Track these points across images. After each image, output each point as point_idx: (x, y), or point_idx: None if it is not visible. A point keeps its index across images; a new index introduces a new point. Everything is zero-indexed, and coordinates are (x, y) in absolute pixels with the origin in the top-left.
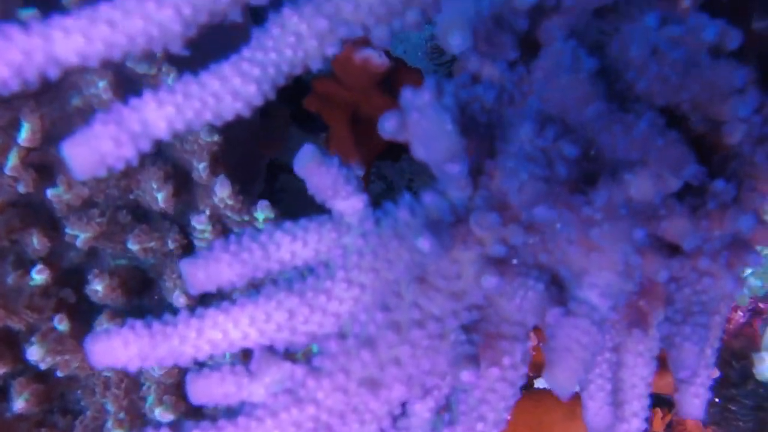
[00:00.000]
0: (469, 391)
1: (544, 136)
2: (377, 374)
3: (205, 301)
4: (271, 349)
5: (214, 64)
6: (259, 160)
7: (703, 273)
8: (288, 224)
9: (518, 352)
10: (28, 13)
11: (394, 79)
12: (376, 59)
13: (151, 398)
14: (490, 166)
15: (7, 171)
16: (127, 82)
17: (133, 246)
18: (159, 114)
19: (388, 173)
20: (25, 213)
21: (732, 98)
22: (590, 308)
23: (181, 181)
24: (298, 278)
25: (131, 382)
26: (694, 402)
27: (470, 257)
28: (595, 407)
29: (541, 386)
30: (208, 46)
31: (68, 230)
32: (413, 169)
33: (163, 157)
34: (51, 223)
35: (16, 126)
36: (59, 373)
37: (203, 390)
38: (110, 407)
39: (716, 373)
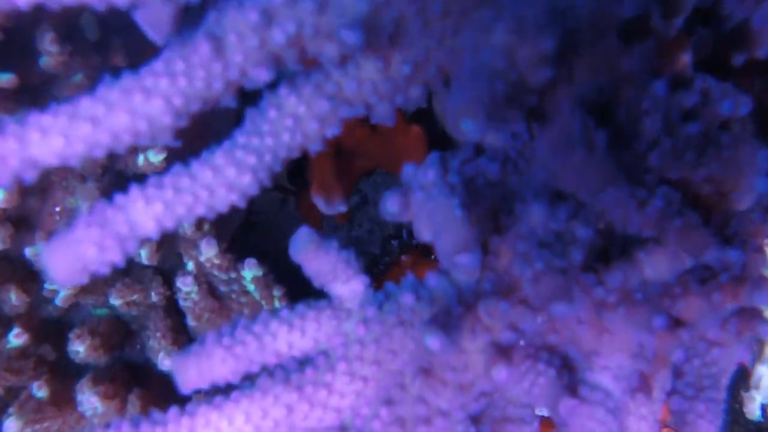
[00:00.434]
0: None
1: (557, 217)
2: None
3: None
4: None
5: (206, 152)
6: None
7: (712, 343)
8: (284, 312)
9: None
10: (3, 79)
11: None
12: None
13: None
14: (495, 244)
15: None
16: None
17: (116, 301)
18: (147, 214)
19: (362, 186)
20: (2, 267)
21: (752, 176)
22: (604, 395)
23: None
24: (297, 369)
25: None
26: None
27: (479, 346)
28: None
29: None
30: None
31: (47, 286)
32: (387, 181)
33: None
34: (29, 275)
35: None
36: None
37: None
38: None
39: None
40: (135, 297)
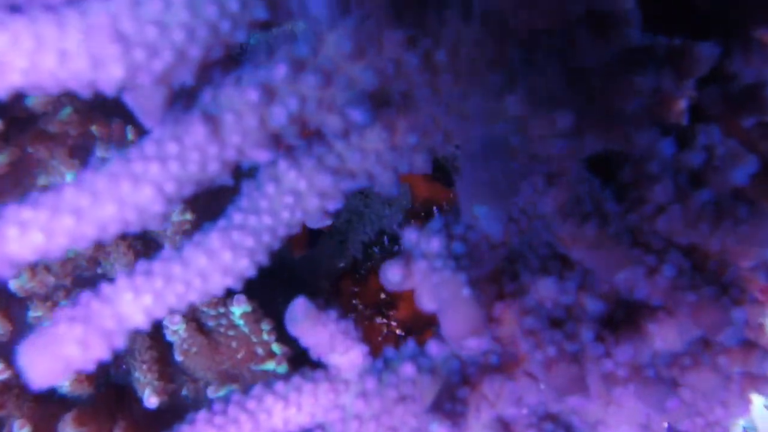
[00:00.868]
0: None
1: (566, 289)
2: None
3: (177, 399)
4: None
5: (198, 234)
6: None
7: (716, 404)
8: (280, 385)
9: None
10: None
11: None
12: None
13: None
14: (499, 310)
15: None
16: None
17: None
18: (135, 306)
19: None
20: None
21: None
22: None
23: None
24: None
25: None
26: None
27: (483, 422)
28: None
29: None
30: None
31: (31, 313)
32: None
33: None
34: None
35: None
36: None
37: None
38: None
39: None
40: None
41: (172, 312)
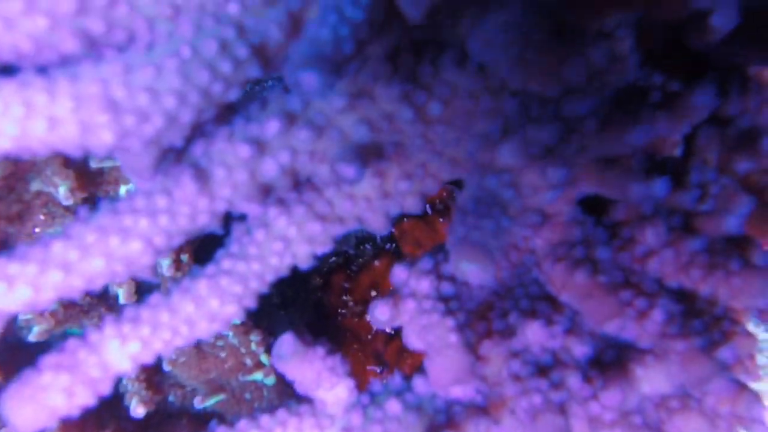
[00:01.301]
0: None
1: (554, 334)
2: None
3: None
4: None
5: (186, 279)
6: None
7: None
8: (265, 419)
9: None
10: None
11: None
12: None
13: None
14: (486, 349)
15: None
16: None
17: None
18: (122, 353)
19: None
20: None
21: (758, 300)
22: None
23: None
24: None
25: None
26: None
27: None
28: None
29: None
30: None
31: (21, 316)
32: None
33: None
34: None
35: None
36: None
37: None
38: None
39: None
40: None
41: (158, 356)
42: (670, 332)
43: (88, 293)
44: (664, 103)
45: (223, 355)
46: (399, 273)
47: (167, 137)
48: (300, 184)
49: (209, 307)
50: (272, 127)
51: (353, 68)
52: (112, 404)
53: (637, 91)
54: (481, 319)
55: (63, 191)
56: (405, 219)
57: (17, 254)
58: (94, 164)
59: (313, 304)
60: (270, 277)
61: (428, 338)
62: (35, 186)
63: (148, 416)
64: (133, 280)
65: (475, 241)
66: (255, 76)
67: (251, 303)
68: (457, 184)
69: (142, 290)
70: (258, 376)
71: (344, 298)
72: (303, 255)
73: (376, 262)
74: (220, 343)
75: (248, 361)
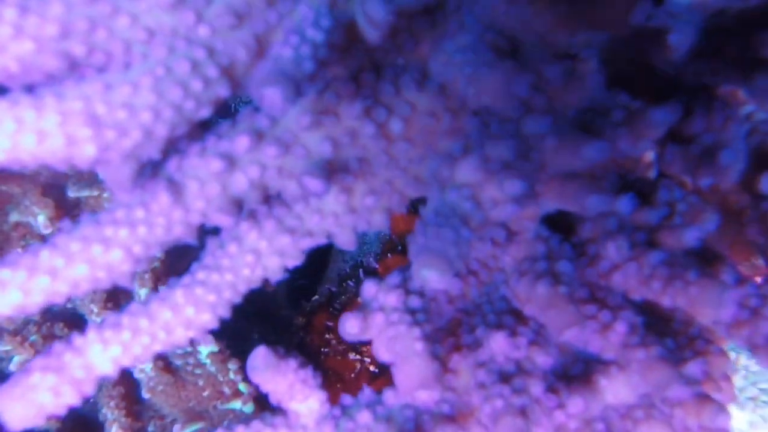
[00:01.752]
0: None
1: (518, 345)
2: None
3: None
4: None
5: (165, 289)
6: None
7: None
8: (240, 428)
9: None
10: None
11: None
12: None
13: None
14: (455, 362)
15: None
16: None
17: None
18: (104, 356)
19: None
20: None
21: (719, 310)
22: None
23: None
24: None
25: None
26: None
27: None
28: None
29: None
30: None
31: (1, 347)
32: None
33: None
34: None
35: None
36: None
37: None
38: None
39: None
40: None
41: (138, 361)
42: (632, 343)
43: (67, 326)
44: (625, 121)
45: (201, 383)
46: (368, 288)
47: (144, 150)
48: (271, 198)
49: (185, 315)
50: (242, 143)
51: (318, 88)
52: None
53: (602, 110)
54: (450, 335)
55: (42, 220)
56: (389, 255)
57: (7, 261)
58: (71, 193)
59: (296, 345)
60: (242, 288)
61: (395, 348)
62: (14, 217)
63: None
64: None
65: (434, 249)
66: (225, 94)
67: (225, 312)
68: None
69: None
70: (236, 404)
71: (327, 336)
72: (274, 267)
73: (360, 299)
74: (198, 371)
75: (226, 390)
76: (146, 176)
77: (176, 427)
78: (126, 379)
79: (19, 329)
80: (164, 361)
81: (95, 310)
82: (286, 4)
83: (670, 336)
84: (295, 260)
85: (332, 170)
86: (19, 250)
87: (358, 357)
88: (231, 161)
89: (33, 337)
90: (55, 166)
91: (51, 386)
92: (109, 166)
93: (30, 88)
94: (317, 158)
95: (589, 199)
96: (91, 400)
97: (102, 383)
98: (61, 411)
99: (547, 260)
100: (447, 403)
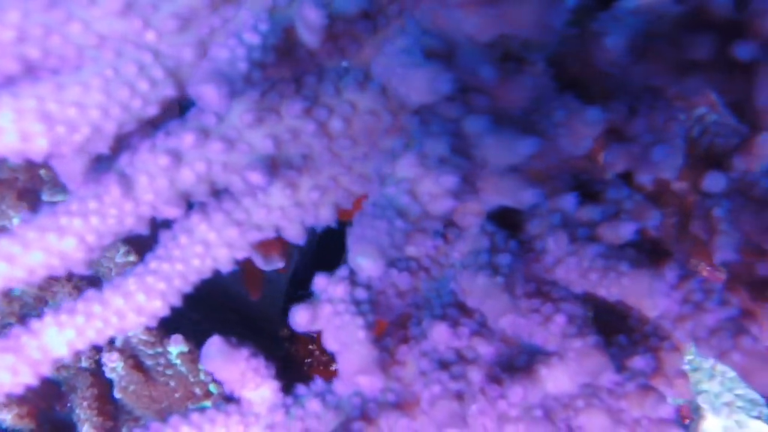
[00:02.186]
0: None
1: (459, 334)
2: None
3: None
4: None
5: (118, 277)
6: None
7: None
8: (195, 415)
9: None
10: None
11: None
12: None
13: None
14: (402, 354)
15: None
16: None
17: None
18: (60, 339)
19: None
20: None
21: (650, 299)
22: None
23: None
24: None
25: None
26: None
27: None
28: None
29: None
30: None
31: None
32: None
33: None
34: None
35: None
36: None
37: None
38: None
39: None
40: (66, 361)
41: (91, 344)
42: (570, 333)
43: None
44: (565, 120)
45: (172, 384)
46: (319, 281)
47: (95, 145)
48: (221, 193)
49: (136, 302)
50: (188, 139)
51: (263, 89)
52: None
53: (547, 111)
54: (401, 327)
55: (17, 222)
56: None
57: None
58: (46, 198)
59: (282, 356)
60: (193, 278)
61: (340, 337)
62: None
63: None
64: None
65: (368, 238)
66: (172, 95)
67: (176, 300)
68: None
69: None
70: (207, 404)
71: (310, 347)
72: (223, 259)
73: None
74: (169, 371)
75: (197, 391)
76: (102, 171)
77: None
78: (100, 380)
79: None
80: (135, 360)
81: None
82: (230, 10)
83: (624, 332)
84: (243, 252)
85: (276, 166)
86: None
87: None
88: (178, 157)
89: None
90: (11, 159)
91: (9, 366)
92: (62, 160)
93: None
94: (260, 154)
95: (523, 193)
96: (69, 405)
97: (78, 384)
98: (19, 390)
99: (489, 253)
100: (393, 392)
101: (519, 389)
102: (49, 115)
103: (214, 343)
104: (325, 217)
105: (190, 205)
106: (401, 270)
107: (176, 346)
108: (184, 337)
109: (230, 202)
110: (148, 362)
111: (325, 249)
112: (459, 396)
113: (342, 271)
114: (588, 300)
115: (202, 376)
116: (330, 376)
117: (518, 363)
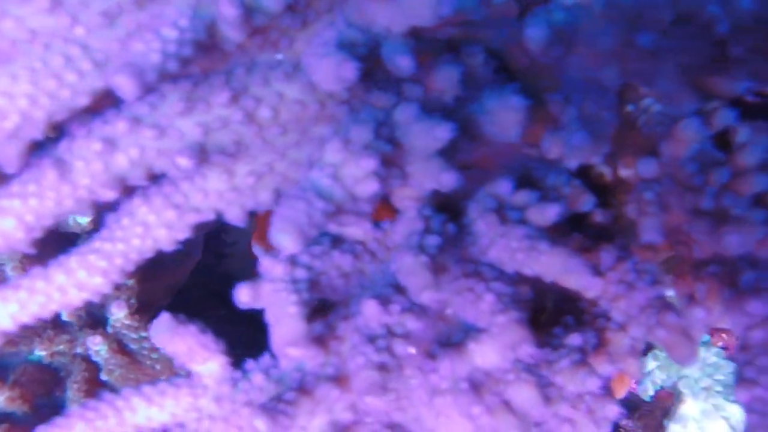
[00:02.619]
0: None
1: (390, 311)
2: None
3: None
4: None
5: (62, 255)
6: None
7: (563, 419)
8: (147, 387)
9: None
10: None
11: None
12: None
13: None
14: (342, 330)
15: None
16: None
17: (40, 352)
18: (3, 312)
19: None
20: None
21: (579, 276)
22: None
23: None
24: None
25: None
26: None
27: (319, 424)
28: None
29: None
30: None
31: None
32: None
33: None
34: None
35: None
36: None
37: None
38: None
39: None
40: (61, 347)
41: (35, 318)
42: (497, 310)
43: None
44: (493, 107)
45: (158, 367)
46: (264, 262)
47: (26, 132)
48: (160, 178)
49: (78, 278)
50: (121, 126)
51: (193, 80)
52: None
53: (478, 99)
54: (344, 305)
55: None
56: None
57: None
58: None
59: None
60: (134, 256)
61: (274, 312)
62: None
63: None
64: None
65: (286, 217)
66: (101, 86)
67: (118, 278)
68: None
69: None
70: None
71: None
72: (163, 239)
73: None
74: (154, 355)
75: (183, 374)
76: (41, 157)
77: None
78: (91, 365)
79: None
80: (119, 344)
81: None
82: (156, 6)
83: (573, 314)
84: (184, 233)
85: (206, 152)
86: None
87: None
88: (112, 143)
89: None
90: None
91: None
92: None
93: None
94: (189, 141)
95: (444, 175)
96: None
97: (73, 369)
98: None
99: (420, 235)
100: (332, 366)
101: (446, 362)
102: None
103: (163, 319)
104: (265, 200)
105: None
106: (344, 252)
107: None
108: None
109: (170, 186)
110: (133, 346)
111: None
112: (381, 367)
113: (285, 253)
114: (543, 285)
115: None
116: None
117: (454, 340)
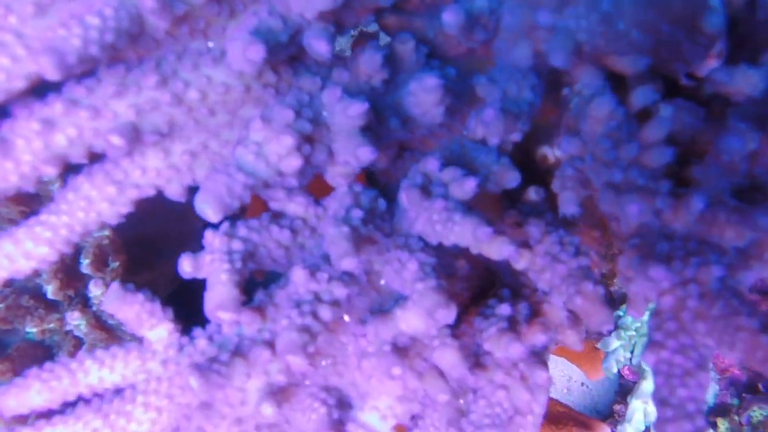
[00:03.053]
0: None
1: (318, 279)
2: None
3: None
4: None
5: (13, 226)
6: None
7: (498, 386)
8: (100, 351)
9: None
10: None
11: None
12: None
13: None
14: (279, 298)
15: None
16: None
17: (31, 330)
18: None
19: None
20: None
21: (490, 244)
22: None
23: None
24: (108, 399)
25: None
26: None
27: (256, 385)
28: None
29: None
30: None
31: None
32: None
33: None
34: None
35: None
36: None
37: None
38: None
39: None
40: (52, 325)
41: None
42: (419, 278)
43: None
44: (415, 89)
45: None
46: (207, 235)
47: None
48: (99, 155)
49: (25, 248)
50: (58, 108)
51: (127, 66)
52: None
53: (403, 82)
54: (286, 277)
55: None
56: None
57: None
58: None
59: None
60: (78, 228)
61: (210, 280)
62: None
63: None
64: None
65: (208, 189)
66: (36, 70)
67: (64, 248)
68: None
69: None
70: None
71: None
72: (106, 213)
73: None
74: None
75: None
76: None
77: None
78: (78, 341)
79: None
80: (97, 320)
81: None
82: None
83: (513, 287)
84: (125, 207)
85: (142, 132)
86: None
87: None
88: (50, 123)
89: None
90: None
91: None
92: None
93: None
94: (123, 121)
95: (360, 149)
96: None
97: (64, 342)
98: None
99: (347, 209)
100: (269, 331)
101: (371, 328)
102: None
103: (113, 288)
104: (202, 177)
105: None
106: (282, 227)
107: None
108: None
109: (111, 164)
110: (111, 321)
111: None
112: (303, 329)
113: (224, 227)
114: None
115: None
116: None
117: (386, 309)
